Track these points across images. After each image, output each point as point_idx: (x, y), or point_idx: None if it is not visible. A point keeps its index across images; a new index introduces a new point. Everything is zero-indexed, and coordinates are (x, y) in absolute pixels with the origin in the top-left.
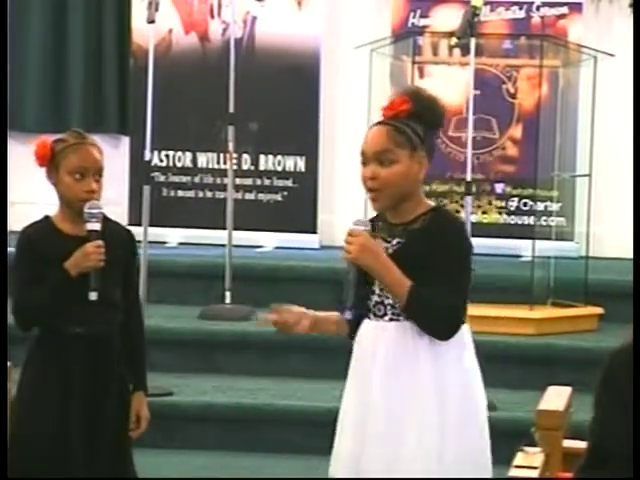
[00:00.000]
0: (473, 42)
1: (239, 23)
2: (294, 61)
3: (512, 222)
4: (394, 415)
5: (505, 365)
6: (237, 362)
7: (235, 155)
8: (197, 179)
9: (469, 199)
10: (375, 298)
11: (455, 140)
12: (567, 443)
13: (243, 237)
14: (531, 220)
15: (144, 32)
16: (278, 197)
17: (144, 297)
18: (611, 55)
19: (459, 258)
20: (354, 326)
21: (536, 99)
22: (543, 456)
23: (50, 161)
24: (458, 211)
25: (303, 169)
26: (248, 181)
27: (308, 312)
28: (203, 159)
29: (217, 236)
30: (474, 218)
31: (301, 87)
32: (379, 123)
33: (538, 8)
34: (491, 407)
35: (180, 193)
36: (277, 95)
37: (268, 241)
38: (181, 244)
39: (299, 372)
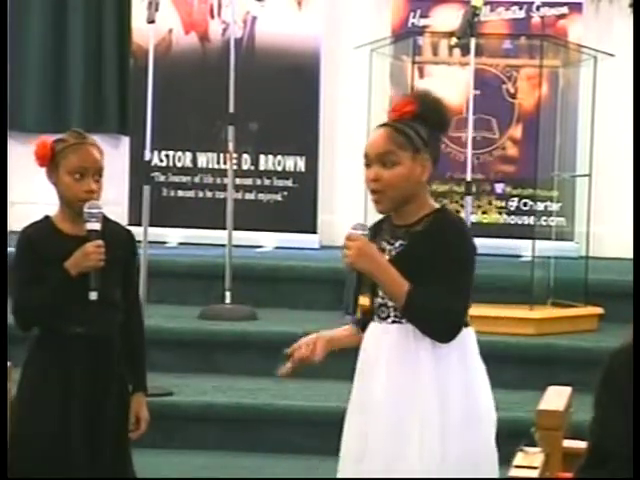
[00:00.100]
0: (473, 42)
1: (239, 23)
2: (294, 61)
3: (512, 222)
4: (395, 416)
5: (505, 365)
6: (237, 362)
7: (235, 155)
8: (197, 179)
9: (469, 199)
10: (379, 300)
11: (455, 140)
12: (567, 443)
13: (243, 237)
14: (531, 220)
15: (144, 32)
16: (278, 197)
17: (144, 297)
18: (611, 55)
19: (459, 259)
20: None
21: (536, 99)
22: (543, 456)
23: (50, 161)
24: (458, 211)
25: (303, 169)
26: (248, 181)
27: (321, 334)
28: (203, 159)
29: (217, 236)
30: (474, 218)
31: (301, 87)
32: (383, 125)
33: (538, 8)
34: None
35: (180, 193)
36: (277, 95)
37: (268, 241)
38: (181, 244)
39: (299, 372)
